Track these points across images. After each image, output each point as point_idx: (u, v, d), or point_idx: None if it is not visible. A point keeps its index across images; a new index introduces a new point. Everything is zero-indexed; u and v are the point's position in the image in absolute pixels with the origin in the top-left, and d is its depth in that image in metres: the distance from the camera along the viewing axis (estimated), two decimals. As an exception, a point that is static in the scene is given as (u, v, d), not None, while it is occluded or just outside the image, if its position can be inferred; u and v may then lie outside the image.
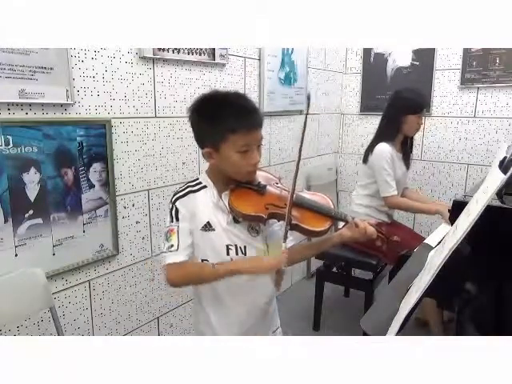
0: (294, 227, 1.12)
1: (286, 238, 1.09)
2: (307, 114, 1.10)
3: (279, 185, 1.19)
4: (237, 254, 1.14)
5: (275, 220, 1.16)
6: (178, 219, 1.11)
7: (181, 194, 1.15)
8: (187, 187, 1.16)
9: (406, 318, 0.68)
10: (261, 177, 1.18)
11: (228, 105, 1.08)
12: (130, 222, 1.78)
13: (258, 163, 1.11)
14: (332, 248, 2.48)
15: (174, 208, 1.13)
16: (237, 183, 1.13)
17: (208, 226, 1.13)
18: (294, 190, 1.10)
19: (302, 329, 2.48)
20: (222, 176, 1.14)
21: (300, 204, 1.14)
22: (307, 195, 1.20)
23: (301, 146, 1.12)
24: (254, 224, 1.16)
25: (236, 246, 1.14)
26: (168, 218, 1.13)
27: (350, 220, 1.13)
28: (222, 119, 1.05)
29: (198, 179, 1.18)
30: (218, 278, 1.10)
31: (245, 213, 1.10)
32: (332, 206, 1.17)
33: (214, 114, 1.07)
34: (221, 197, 1.13)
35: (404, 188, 2.45)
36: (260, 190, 1.14)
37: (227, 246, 1.13)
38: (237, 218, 1.13)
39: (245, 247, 1.15)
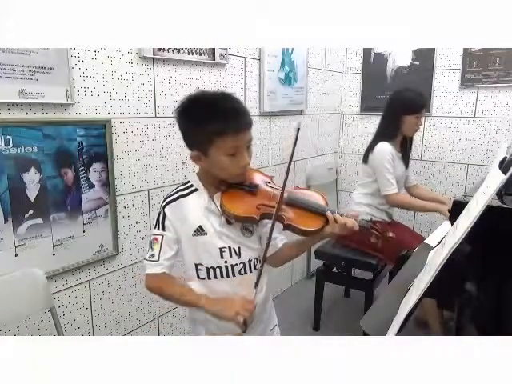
0: (286, 227, 1.10)
1: (264, 259, 1.08)
2: (294, 146, 1.07)
3: (271, 184, 1.18)
4: (231, 255, 1.14)
5: (268, 220, 1.13)
6: (163, 227, 1.13)
7: (171, 198, 1.14)
8: (178, 191, 1.15)
9: (406, 318, 0.68)
10: (253, 176, 1.17)
11: (214, 107, 1.04)
12: (130, 222, 1.78)
13: (248, 164, 1.10)
14: (332, 248, 2.49)
15: (162, 213, 1.13)
16: (228, 184, 1.12)
17: (200, 231, 1.12)
18: (281, 199, 1.08)
19: (302, 329, 2.48)
20: (213, 178, 1.12)
21: (292, 203, 1.12)
22: (299, 194, 1.17)
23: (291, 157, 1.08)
24: (247, 224, 1.15)
25: (230, 247, 1.13)
26: (155, 222, 1.14)
27: (330, 215, 1.09)
28: (209, 122, 1.02)
29: (189, 182, 1.17)
30: (184, 305, 1.13)
31: (237, 214, 1.09)
32: (324, 204, 1.14)
33: (200, 117, 1.04)
34: (212, 199, 1.12)
35: (413, 185, 2.47)
36: (251, 190, 1.13)
37: (220, 249, 1.13)
38: (229, 219, 1.12)
39: (239, 248, 1.14)
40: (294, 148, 1.07)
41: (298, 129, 1.06)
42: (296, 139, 1.06)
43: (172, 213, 1.13)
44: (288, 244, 1.21)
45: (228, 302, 1.07)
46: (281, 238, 1.21)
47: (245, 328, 1.03)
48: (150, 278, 1.14)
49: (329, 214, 1.09)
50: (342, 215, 1.09)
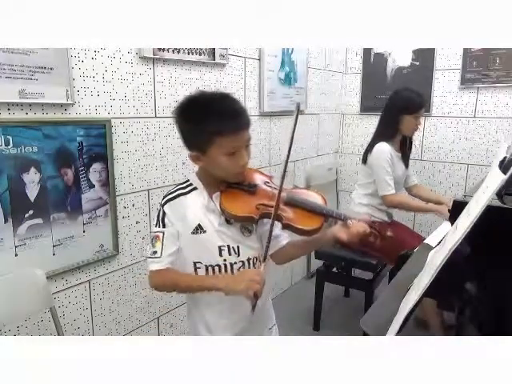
0: (285, 227, 1.11)
1: (265, 256, 1.08)
2: (295, 123, 1.06)
3: (270, 184, 1.18)
4: (229, 254, 1.14)
5: (268, 219, 1.13)
6: (164, 225, 1.12)
7: (170, 196, 1.14)
8: (177, 189, 1.16)
9: (406, 318, 0.68)
10: (252, 176, 1.17)
11: (213, 107, 1.05)
12: (130, 222, 1.78)
13: (247, 164, 1.10)
14: (332, 248, 2.49)
15: (162, 211, 1.13)
16: (227, 184, 1.12)
17: (199, 229, 1.12)
18: (279, 197, 1.08)
19: (302, 329, 2.48)
20: (212, 178, 1.12)
21: (291, 203, 1.13)
22: (298, 193, 1.18)
23: (289, 147, 1.08)
24: (246, 224, 1.15)
25: (228, 246, 1.14)
26: (155, 221, 1.14)
27: (343, 219, 1.10)
28: (208, 122, 1.03)
29: (188, 181, 1.17)
30: (193, 292, 1.13)
31: (236, 214, 1.09)
32: (324, 204, 1.15)
33: (200, 117, 1.04)
34: (212, 198, 1.13)
35: (413, 185, 2.47)
36: (251, 190, 1.13)
37: (219, 247, 1.13)
38: (228, 219, 1.12)
39: (238, 247, 1.14)
40: (294, 127, 1.06)
41: (299, 107, 1.07)
42: (296, 117, 1.05)
43: (171, 210, 1.13)
44: (292, 243, 1.21)
45: (236, 276, 1.08)
46: (285, 236, 1.21)
47: (255, 301, 1.02)
48: (154, 275, 1.12)
49: (342, 217, 1.10)
50: (351, 219, 1.10)
